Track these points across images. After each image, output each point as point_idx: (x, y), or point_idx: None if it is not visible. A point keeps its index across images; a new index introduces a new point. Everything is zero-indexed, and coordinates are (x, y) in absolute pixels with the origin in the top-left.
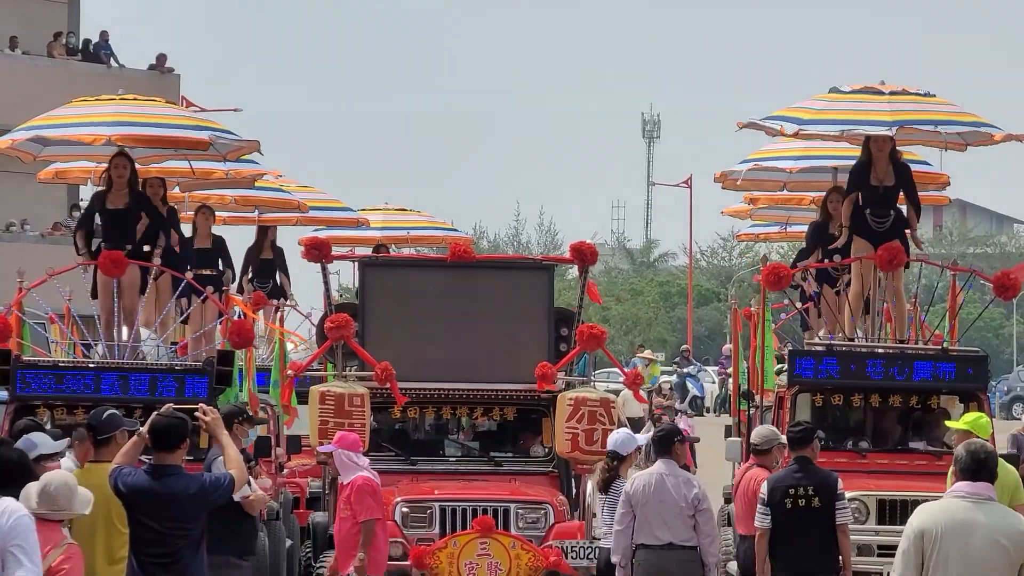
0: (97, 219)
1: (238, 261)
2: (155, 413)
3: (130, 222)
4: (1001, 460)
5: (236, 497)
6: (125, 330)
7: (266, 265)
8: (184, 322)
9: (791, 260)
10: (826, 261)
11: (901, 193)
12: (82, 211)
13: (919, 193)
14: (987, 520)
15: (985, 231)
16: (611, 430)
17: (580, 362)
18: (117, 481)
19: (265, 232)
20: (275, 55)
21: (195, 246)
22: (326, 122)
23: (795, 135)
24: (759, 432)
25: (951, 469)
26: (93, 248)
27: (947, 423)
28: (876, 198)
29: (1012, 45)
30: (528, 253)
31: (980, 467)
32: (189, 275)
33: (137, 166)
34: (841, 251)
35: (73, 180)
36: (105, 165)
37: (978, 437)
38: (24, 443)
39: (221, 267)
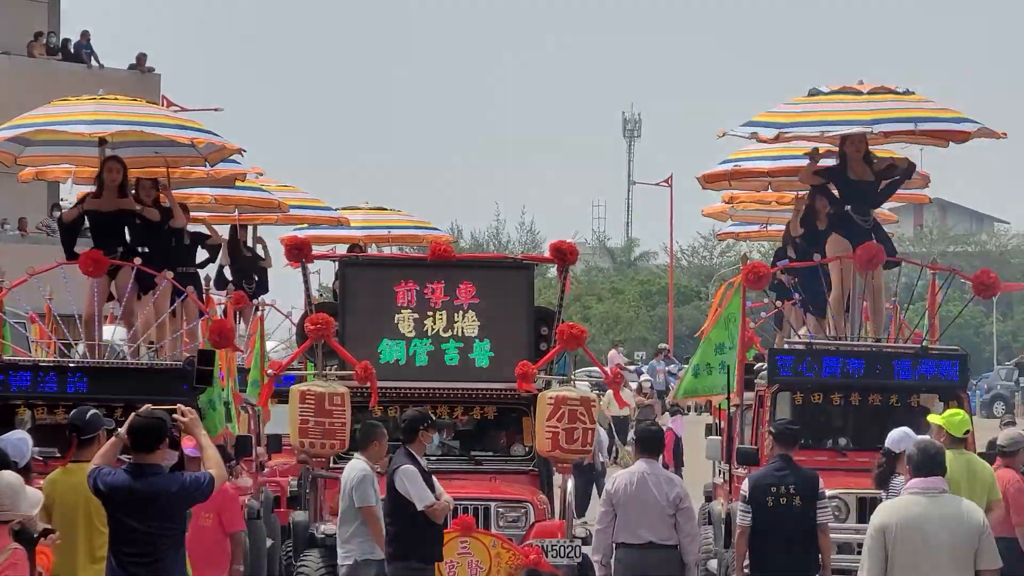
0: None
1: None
2: (134, 413)
3: (119, 226)
4: (978, 458)
5: (420, 506)
6: (113, 330)
7: (243, 265)
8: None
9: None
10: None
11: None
12: (63, 211)
13: (900, 191)
14: (942, 512)
15: (965, 230)
16: (592, 429)
17: (560, 361)
18: (96, 481)
19: (237, 232)
20: (256, 54)
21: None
22: (306, 121)
23: (776, 139)
24: (1007, 434)
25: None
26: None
27: (928, 418)
28: (858, 194)
29: (996, 41)
30: (509, 252)
31: (931, 462)
32: (169, 275)
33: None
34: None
35: (53, 179)
36: (87, 166)
37: (952, 433)
38: (14, 446)
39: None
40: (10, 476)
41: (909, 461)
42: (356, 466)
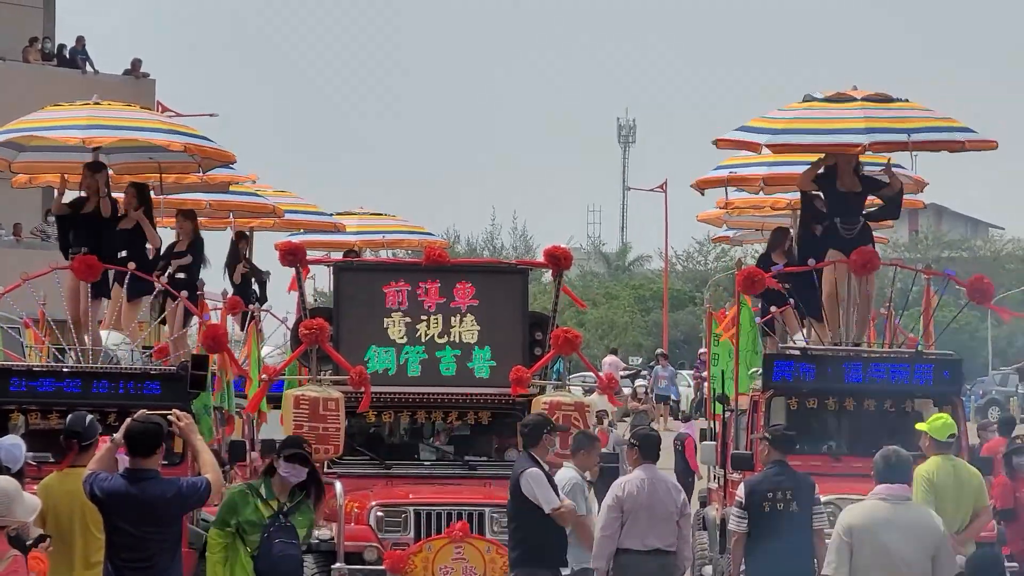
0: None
1: (219, 267)
2: (130, 418)
3: (100, 229)
4: (965, 463)
5: (547, 510)
6: (107, 334)
7: (243, 279)
8: (162, 322)
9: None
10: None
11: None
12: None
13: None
14: (905, 519)
15: (960, 235)
16: None
17: (555, 366)
18: (92, 486)
19: (237, 246)
20: (251, 60)
21: (175, 250)
22: (302, 127)
23: (771, 147)
24: None
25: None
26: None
27: (916, 426)
28: (844, 206)
29: (989, 45)
30: (503, 257)
31: (892, 470)
32: (163, 279)
33: (110, 172)
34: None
35: (48, 185)
36: (75, 172)
37: (935, 438)
38: (7, 451)
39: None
40: (5, 482)
41: (874, 467)
42: (566, 475)
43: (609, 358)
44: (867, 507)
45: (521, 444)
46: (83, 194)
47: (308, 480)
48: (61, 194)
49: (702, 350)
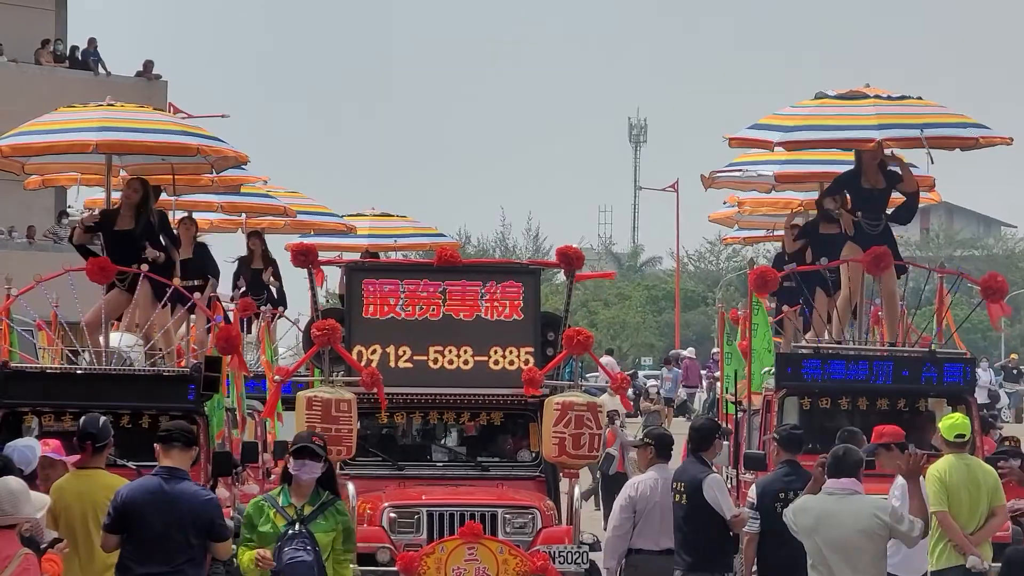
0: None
1: (226, 268)
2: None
3: (134, 244)
4: (980, 462)
5: (727, 515)
6: (120, 336)
7: (257, 276)
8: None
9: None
10: (819, 263)
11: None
12: (70, 217)
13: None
14: (852, 511)
15: (972, 234)
16: (598, 435)
17: (567, 366)
18: (121, 490)
19: (248, 245)
20: (262, 61)
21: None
22: (312, 128)
23: (783, 144)
24: None
25: None
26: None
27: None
28: (869, 203)
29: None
30: (515, 257)
31: (839, 464)
32: (176, 282)
33: (123, 174)
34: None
35: (60, 186)
36: (93, 173)
37: (944, 437)
38: (20, 452)
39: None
40: (11, 481)
41: (827, 465)
42: None
43: (605, 358)
44: (815, 501)
45: (690, 448)
46: (113, 205)
47: (326, 479)
48: (91, 229)
49: (715, 350)
